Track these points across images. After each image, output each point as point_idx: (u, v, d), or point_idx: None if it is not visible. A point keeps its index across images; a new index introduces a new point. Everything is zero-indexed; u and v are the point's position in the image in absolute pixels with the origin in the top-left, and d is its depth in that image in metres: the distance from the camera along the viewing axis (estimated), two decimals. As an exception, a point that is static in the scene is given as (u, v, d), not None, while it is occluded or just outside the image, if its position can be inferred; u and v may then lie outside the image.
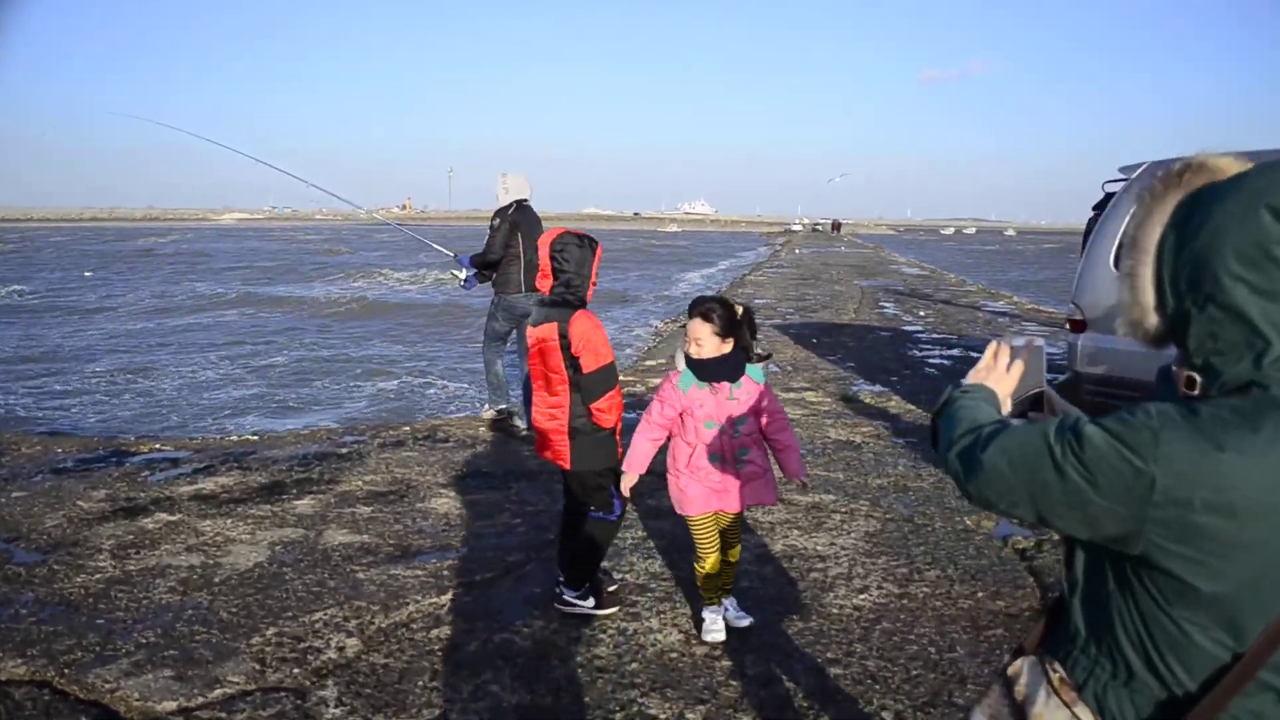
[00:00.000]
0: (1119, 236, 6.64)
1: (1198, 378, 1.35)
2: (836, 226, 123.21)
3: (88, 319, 24.94)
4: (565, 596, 4.37)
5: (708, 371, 3.97)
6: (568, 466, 4.28)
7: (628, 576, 4.82)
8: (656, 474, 6.60)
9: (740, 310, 4.04)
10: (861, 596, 4.62)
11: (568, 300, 4.20)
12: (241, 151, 9.11)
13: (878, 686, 3.76)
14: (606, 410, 4.17)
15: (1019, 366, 1.69)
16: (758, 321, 4.42)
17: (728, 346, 3.95)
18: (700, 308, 3.98)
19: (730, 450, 4.00)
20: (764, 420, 4.03)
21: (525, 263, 7.55)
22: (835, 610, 4.46)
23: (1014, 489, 1.38)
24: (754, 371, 4.04)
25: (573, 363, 4.15)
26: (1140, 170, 6.76)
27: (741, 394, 4.00)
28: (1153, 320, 1.41)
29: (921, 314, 18.77)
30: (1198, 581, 1.28)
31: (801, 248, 57.93)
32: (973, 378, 1.69)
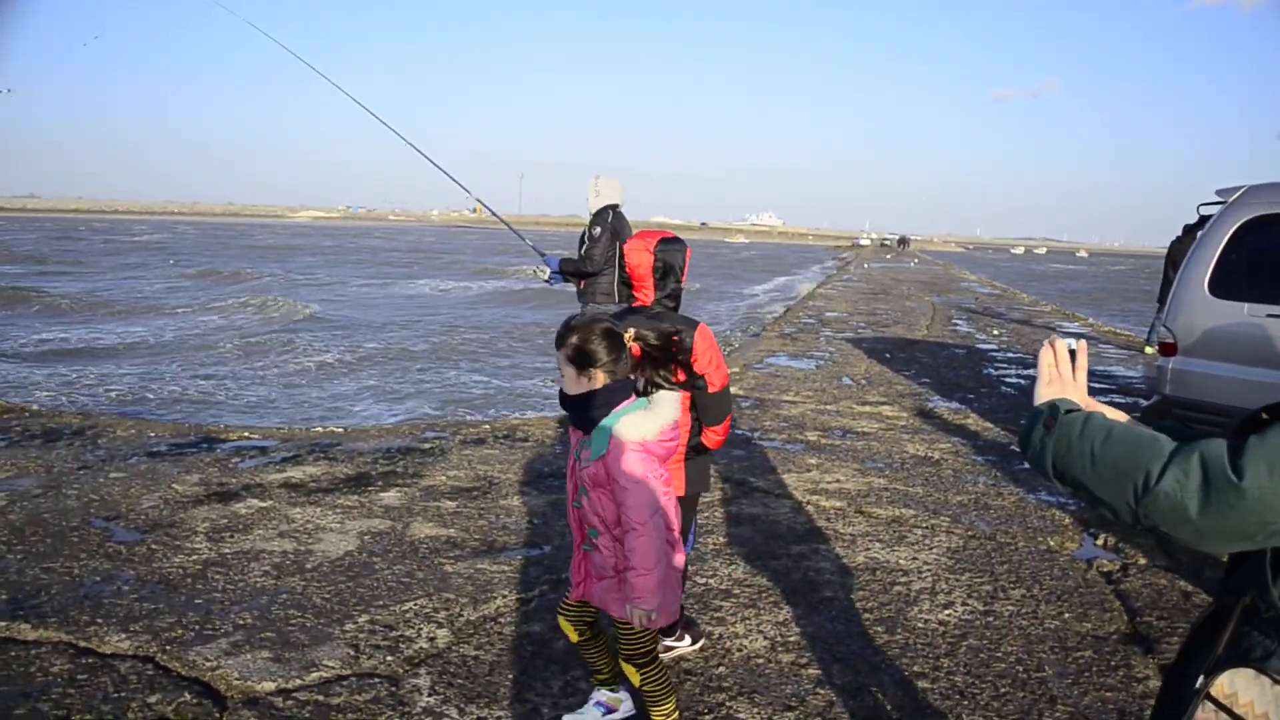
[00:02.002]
0: (1214, 260, 6.52)
1: None
2: (904, 241, 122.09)
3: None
4: (665, 643, 4.00)
5: (569, 409, 3.09)
6: (682, 493, 3.74)
7: (711, 582, 4.85)
8: (734, 481, 6.62)
9: (631, 335, 3.10)
10: (946, 612, 4.59)
11: (670, 309, 3.84)
12: (374, 113, 8.90)
13: (966, 702, 3.73)
14: (723, 431, 3.84)
15: (1081, 370, 1.63)
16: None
17: (584, 385, 2.98)
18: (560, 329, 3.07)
19: (579, 525, 3.14)
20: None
21: (619, 270, 7.38)
22: (920, 624, 4.44)
23: None
24: (604, 428, 2.97)
25: (693, 379, 3.70)
26: (1240, 193, 6.64)
27: (586, 453, 3.02)
28: None
29: (995, 332, 18.51)
30: None
31: (870, 262, 57.46)
32: (1048, 392, 1.61)
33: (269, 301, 25.84)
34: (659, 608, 2.96)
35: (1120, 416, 1.61)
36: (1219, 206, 7.05)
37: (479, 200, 10.27)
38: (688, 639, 4.10)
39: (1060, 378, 1.63)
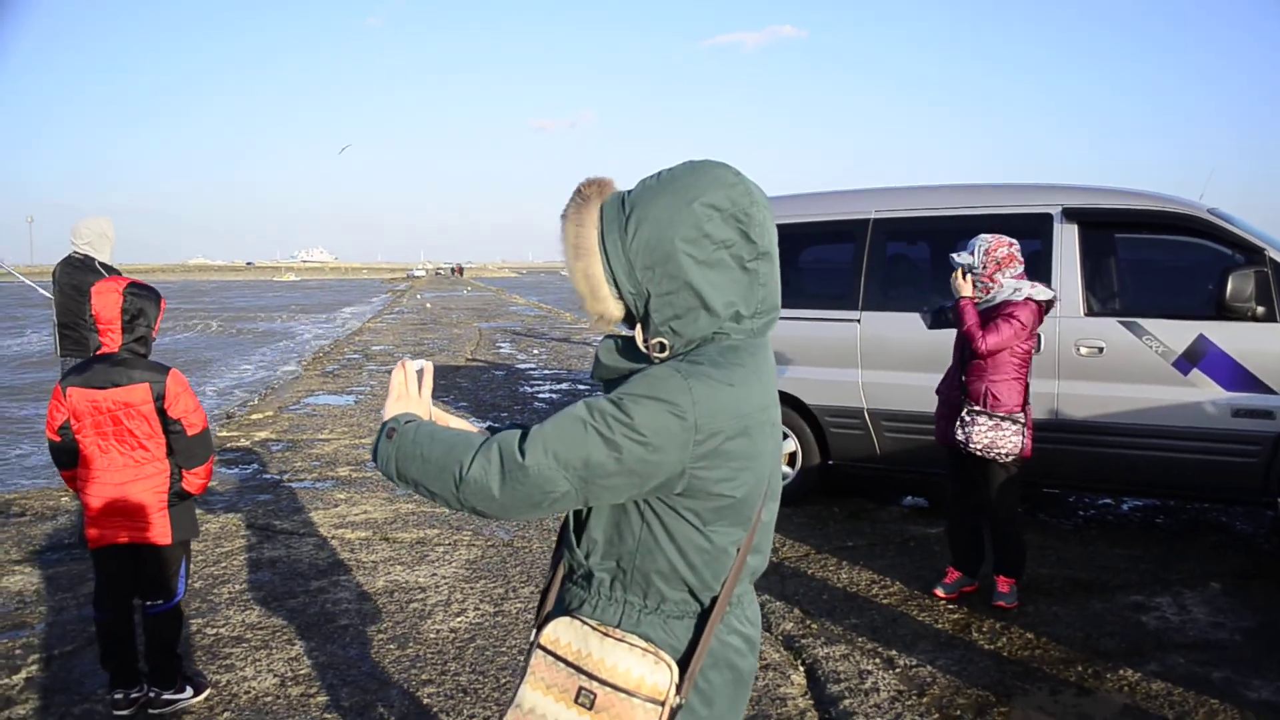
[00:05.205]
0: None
1: (667, 341, 1.65)
2: (459, 271, 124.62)
3: None
4: (164, 697, 3.95)
5: None
6: (168, 541, 3.88)
7: (222, 630, 4.77)
8: (256, 527, 6.51)
9: None
10: (458, 619, 4.89)
11: (139, 355, 3.84)
12: None
13: (469, 698, 4.03)
14: (205, 474, 3.97)
15: (426, 387, 1.89)
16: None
17: None
18: None
19: None
20: None
21: (57, 323, 6.51)
22: (432, 635, 4.69)
23: (561, 480, 1.56)
24: None
25: (168, 425, 3.83)
26: None
27: None
28: (613, 307, 1.68)
29: (535, 352, 19.54)
30: (735, 493, 1.62)
31: (424, 293, 57.97)
32: (395, 408, 1.82)
33: None
34: None
35: (463, 424, 1.91)
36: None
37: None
38: (189, 690, 4.03)
39: (408, 394, 1.86)
